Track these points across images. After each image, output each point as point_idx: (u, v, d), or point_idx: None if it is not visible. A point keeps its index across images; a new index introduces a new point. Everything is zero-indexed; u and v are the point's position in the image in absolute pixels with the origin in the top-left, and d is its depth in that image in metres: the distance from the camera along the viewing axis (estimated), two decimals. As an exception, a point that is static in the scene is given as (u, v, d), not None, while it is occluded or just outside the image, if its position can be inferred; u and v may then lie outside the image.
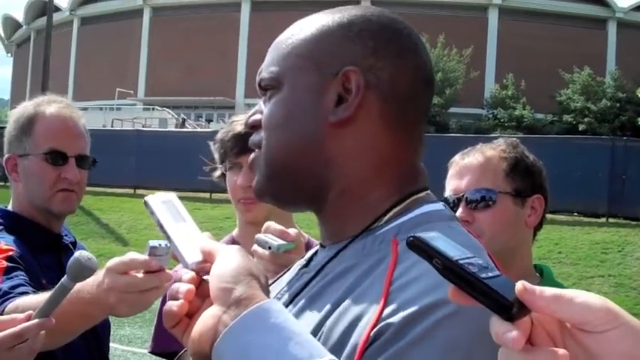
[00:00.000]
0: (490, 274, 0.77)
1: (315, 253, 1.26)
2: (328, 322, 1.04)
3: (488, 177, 2.09)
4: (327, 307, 1.07)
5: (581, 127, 38.18)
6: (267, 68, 1.21)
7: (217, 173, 2.44)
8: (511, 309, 0.74)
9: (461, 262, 0.78)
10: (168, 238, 1.13)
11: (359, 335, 0.98)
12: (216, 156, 2.43)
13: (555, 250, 16.34)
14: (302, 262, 1.29)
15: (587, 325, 0.74)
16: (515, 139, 2.25)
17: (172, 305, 1.01)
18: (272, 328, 0.91)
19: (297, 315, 1.09)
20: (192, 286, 1.02)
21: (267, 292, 0.99)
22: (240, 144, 2.23)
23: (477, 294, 0.76)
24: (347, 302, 1.04)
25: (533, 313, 0.76)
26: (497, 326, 0.75)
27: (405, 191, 1.17)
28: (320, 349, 0.92)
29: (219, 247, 1.05)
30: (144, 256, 1.43)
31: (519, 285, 0.75)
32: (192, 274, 1.05)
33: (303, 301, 1.14)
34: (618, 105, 39.58)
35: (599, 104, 39.70)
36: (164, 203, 1.18)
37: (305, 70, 1.17)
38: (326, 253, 1.19)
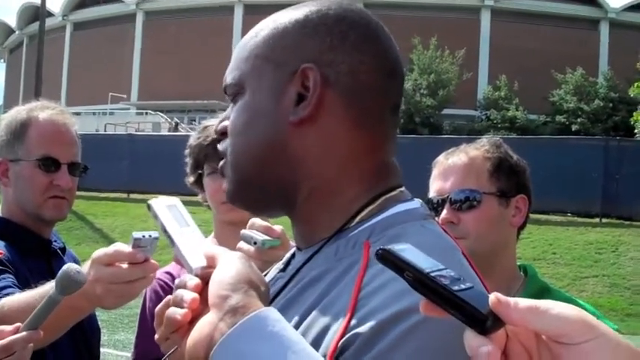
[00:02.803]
0: (463, 286, 0.75)
1: (293, 256, 1.24)
2: (299, 331, 1.02)
3: (473, 177, 2.08)
4: (299, 315, 1.05)
5: (574, 128, 38.24)
6: (230, 73, 1.19)
7: (191, 179, 2.43)
8: (485, 322, 0.73)
9: (432, 274, 0.76)
10: (172, 242, 1.12)
11: (327, 345, 0.97)
12: (190, 162, 2.42)
13: (549, 251, 16.36)
14: (280, 265, 1.27)
15: (563, 337, 0.73)
16: (498, 138, 2.24)
17: (176, 313, 1.00)
18: (269, 336, 0.89)
19: None
20: (196, 295, 1.00)
21: (265, 301, 0.97)
22: None
23: (450, 307, 0.74)
24: (317, 310, 1.03)
25: (508, 325, 0.75)
26: (471, 340, 0.74)
27: (376, 189, 1.14)
28: (318, 358, 0.90)
29: (221, 253, 1.03)
30: (128, 248, 1.43)
31: (493, 297, 0.74)
32: (196, 280, 1.03)
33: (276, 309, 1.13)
34: (611, 105, 39.67)
35: (592, 104, 39.79)
36: (168, 207, 1.17)
37: (264, 71, 1.15)
38: (301, 257, 1.17)
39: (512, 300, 0.74)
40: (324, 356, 0.95)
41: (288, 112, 1.12)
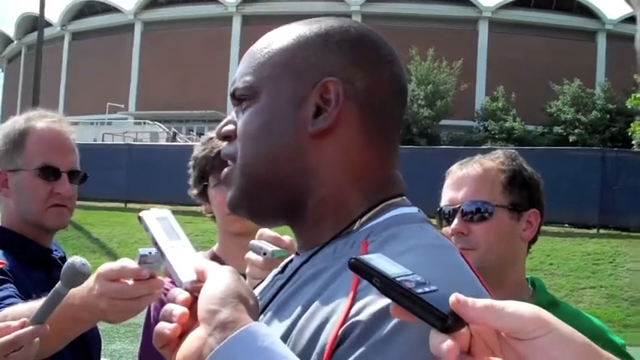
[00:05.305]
0: (427, 289, 0.81)
1: (291, 260, 1.25)
2: (298, 325, 1.04)
3: (486, 189, 2.06)
4: (297, 310, 1.06)
5: (571, 139, 38.36)
6: (241, 78, 1.20)
7: (195, 191, 2.43)
8: (446, 321, 0.78)
9: (398, 279, 0.82)
10: (162, 255, 1.12)
11: (327, 335, 0.98)
12: (195, 174, 2.42)
13: (547, 262, 16.35)
14: (277, 270, 1.28)
15: (518, 332, 0.78)
16: (514, 151, 2.20)
17: (165, 328, 1.00)
18: (259, 351, 0.90)
19: (269, 322, 1.09)
20: (186, 310, 1.00)
21: (255, 315, 0.98)
22: None
23: (415, 308, 0.80)
24: (316, 304, 1.04)
25: (472, 325, 0.80)
26: (434, 338, 0.79)
27: (379, 197, 1.17)
28: None
29: (211, 267, 1.03)
30: (134, 264, 1.43)
31: (452, 297, 0.79)
32: (186, 294, 1.03)
33: (275, 307, 1.13)
34: (608, 116, 39.78)
35: (589, 115, 39.89)
36: (159, 220, 1.17)
37: (283, 79, 1.16)
38: (299, 259, 1.19)
39: (470, 299, 0.79)
40: (325, 344, 0.97)
41: (306, 121, 1.14)
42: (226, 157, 1.22)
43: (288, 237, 1.56)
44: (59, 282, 1.45)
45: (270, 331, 0.94)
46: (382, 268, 0.83)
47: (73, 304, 1.53)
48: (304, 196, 1.16)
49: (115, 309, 1.50)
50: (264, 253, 1.54)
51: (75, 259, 1.45)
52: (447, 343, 0.77)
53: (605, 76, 46.66)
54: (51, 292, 1.47)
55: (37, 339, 1.50)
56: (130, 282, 1.46)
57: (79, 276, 1.44)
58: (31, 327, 1.49)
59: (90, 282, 1.51)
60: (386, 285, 0.82)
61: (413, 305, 0.80)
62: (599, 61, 52.17)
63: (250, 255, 1.59)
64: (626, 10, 47.36)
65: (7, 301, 1.88)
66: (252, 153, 1.17)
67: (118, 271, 1.47)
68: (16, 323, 1.50)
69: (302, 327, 1.03)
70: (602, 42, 53.36)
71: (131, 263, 1.45)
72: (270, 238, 1.58)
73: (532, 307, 0.79)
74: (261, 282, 1.33)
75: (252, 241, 1.59)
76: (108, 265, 1.50)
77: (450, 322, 0.78)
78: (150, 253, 1.35)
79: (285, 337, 1.02)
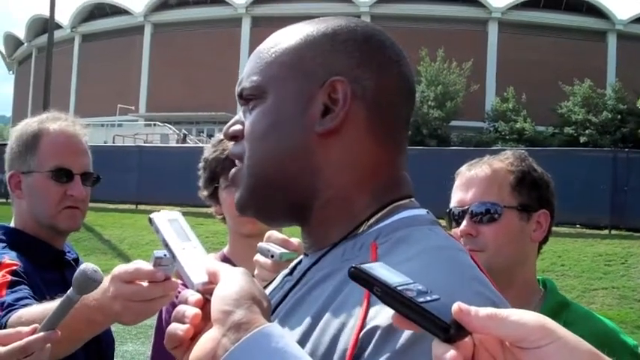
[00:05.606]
0: (428, 298, 0.79)
1: (300, 262, 1.25)
2: (315, 333, 1.03)
3: (494, 190, 2.05)
4: (310, 316, 1.05)
5: (582, 139, 38.20)
6: (248, 78, 1.20)
7: (205, 193, 2.43)
8: (448, 330, 0.77)
9: (399, 288, 0.80)
10: (173, 257, 1.12)
11: (347, 340, 0.97)
12: (205, 175, 2.42)
13: (558, 263, 16.28)
14: (286, 271, 1.28)
15: (523, 341, 0.76)
16: (523, 151, 2.19)
17: (177, 329, 1.00)
18: (273, 352, 0.89)
19: (280, 324, 1.07)
20: (198, 311, 1.00)
21: (268, 316, 0.97)
22: None
23: (417, 318, 0.78)
24: (330, 311, 1.03)
25: (475, 334, 0.78)
26: (437, 348, 0.77)
27: (387, 199, 1.16)
28: None
29: (224, 268, 1.03)
30: (149, 267, 1.43)
31: (455, 306, 0.77)
32: (198, 296, 1.03)
33: (284, 311, 1.13)
34: (619, 117, 39.58)
35: (600, 116, 39.71)
36: (170, 222, 1.17)
37: (290, 79, 1.16)
38: (308, 261, 1.18)
39: (473, 308, 0.77)
40: (345, 350, 0.96)
41: (314, 121, 1.14)
42: (233, 156, 1.22)
43: (296, 239, 1.56)
44: (71, 288, 1.45)
45: (284, 332, 0.94)
46: (383, 277, 0.82)
47: (88, 305, 1.53)
48: (311, 196, 1.16)
49: (129, 311, 1.51)
50: (272, 256, 1.54)
51: (87, 266, 1.44)
52: (450, 354, 0.76)
53: (615, 77, 46.45)
54: (62, 299, 1.47)
55: (49, 345, 1.51)
56: (145, 284, 1.46)
57: (90, 283, 1.43)
58: (42, 333, 1.48)
59: (105, 284, 1.51)
60: (387, 294, 0.80)
61: (415, 315, 0.78)
62: (609, 62, 51.99)
63: (259, 257, 1.59)
64: (637, 10, 47.25)
65: (21, 302, 1.89)
66: (259, 153, 1.17)
67: (133, 273, 1.47)
68: (27, 329, 1.50)
69: (319, 335, 1.02)
70: (612, 42, 53.17)
71: (146, 265, 1.45)
72: (279, 241, 1.58)
73: (536, 316, 0.77)
74: (270, 282, 1.32)
75: (260, 244, 1.59)
76: (123, 267, 1.50)
77: (452, 331, 0.77)
78: (165, 255, 1.35)
79: (300, 344, 1.01)
